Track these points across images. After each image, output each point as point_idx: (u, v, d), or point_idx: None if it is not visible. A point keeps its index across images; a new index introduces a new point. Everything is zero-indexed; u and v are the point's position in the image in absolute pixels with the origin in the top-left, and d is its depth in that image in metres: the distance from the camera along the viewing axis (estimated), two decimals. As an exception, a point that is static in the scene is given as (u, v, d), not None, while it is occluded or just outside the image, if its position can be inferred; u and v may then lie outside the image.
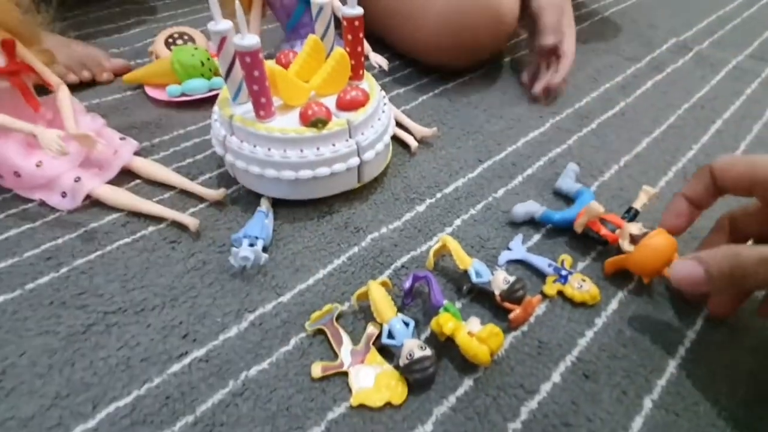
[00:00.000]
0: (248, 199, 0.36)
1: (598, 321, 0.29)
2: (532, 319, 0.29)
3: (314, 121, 0.32)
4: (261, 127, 0.32)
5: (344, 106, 0.34)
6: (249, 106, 0.33)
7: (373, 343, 0.27)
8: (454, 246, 0.30)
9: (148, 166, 0.38)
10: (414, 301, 0.30)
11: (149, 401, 0.24)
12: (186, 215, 0.34)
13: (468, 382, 0.26)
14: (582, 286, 0.30)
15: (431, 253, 0.31)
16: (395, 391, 0.25)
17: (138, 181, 0.38)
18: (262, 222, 0.33)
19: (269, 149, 0.32)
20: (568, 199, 0.37)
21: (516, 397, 0.25)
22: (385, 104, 0.37)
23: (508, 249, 0.33)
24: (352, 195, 0.37)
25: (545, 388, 0.26)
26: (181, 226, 0.34)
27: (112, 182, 0.36)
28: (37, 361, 0.26)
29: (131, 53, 0.57)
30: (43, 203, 0.35)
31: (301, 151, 0.32)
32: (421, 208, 0.37)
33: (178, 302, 0.29)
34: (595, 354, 0.27)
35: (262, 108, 0.32)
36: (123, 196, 0.35)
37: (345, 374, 0.26)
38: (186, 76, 0.47)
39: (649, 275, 0.29)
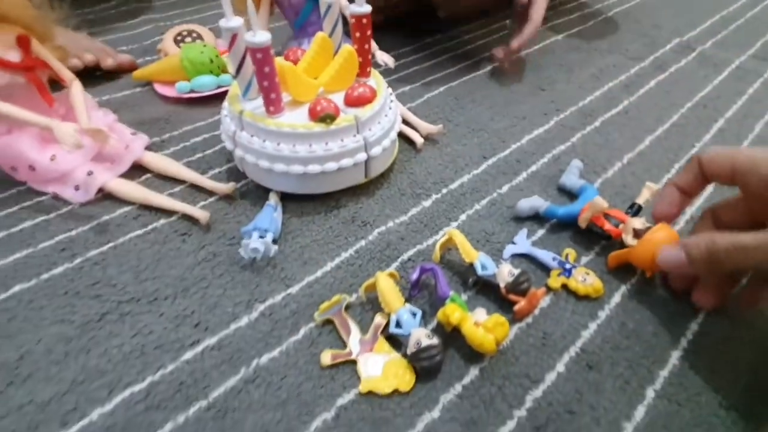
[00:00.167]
0: (257, 194, 0.37)
1: (601, 314, 0.29)
2: (536, 312, 0.29)
3: (323, 116, 0.32)
4: (271, 122, 0.32)
5: (352, 102, 0.35)
6: (259, 102, 0.34)
7: (381, 333, 0.28)
8: (460, 239, 0.31)
9: (158, 161, 0.38)
10: (420, 293, 0.30)
11: (163, 387, 0.25)
12: (197, 208, 0.34)
13: (474, 371, 0.26)
14: (586, 280, 0.30)
15: (438, 246, 0.31)
16: (403, 378, 0.25)
17: (148, 175, 0.39)
18: (271, 215, 0.33)
19: (279, 144, 0.33)
20: (571, 195, 0.38)
21: (521, 386, 0.26)
22: (391, 101, 0.38)
23: (513, 243, 0.34)
24: (359, 190, 0.38)
25: (550, 377, 0.26)
26: (191, 219, 0.35)
27: (123, 176, 0.37)
28: (53, 348, 0.27)
29: (139, 51, 0.57)
30: (56, 196, 0.36)
31: (310, 146, 0.33)
32: (427, 203, 0.37)
33: (189, 293, 0.30)
34: (598, 345, 0.28)
35: (272, 104, 0.33)
36: (134, 190, 0.36)
37: (354, 362, 0.26)
38: (195, 73, 0.47)
39: (651, 269, 0.30)
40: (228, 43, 0.31)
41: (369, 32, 0.36)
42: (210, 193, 0.37)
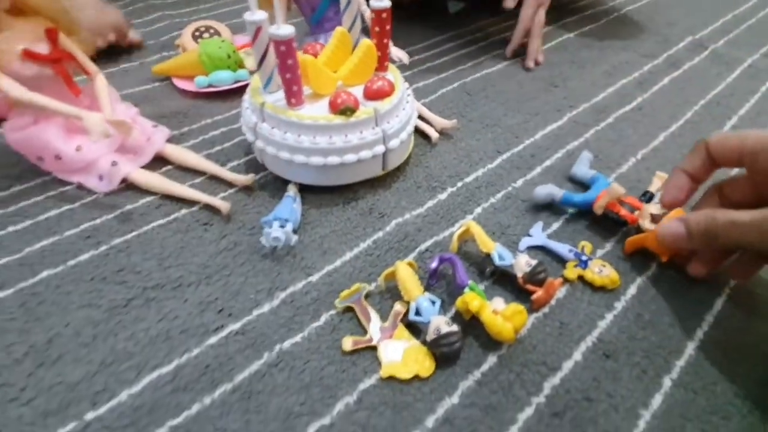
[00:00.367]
0: (276, 185, 0.38)
1: (617, 305, 0.30)
2: (552, 302, 0.30)
3: (343, 109, 0.33)
4: (292, 114, 0.33)
5: (371, 95, 0.35)
6: (279, 94, 0.35)
7: (401, 321, 0.28)
8: (478, 230, 0.31)
9: (179, 153, 0.39)
10: (438, 283, 0.31)
11: (189, 370, 0.26)
12: (218, 199, 0.35)
13: (492, 359, 0.27)
14: (602, 271, 0.31)
15: (455, 236, 0.32)
16: (423, 365, 0.26)
17: (169, 166, 0.39)
18: (290, 206, 0.34)
19: (299, 135, 0.33)
20: (582, 186, 0.38)
21: (539, 374, 0.26)
22: (408, 95, 0.39)
23: (528, 236, 0.34)
24: (376, 182, 0.38)
25: (567, 365, 0.26)
26: (212, 209, 0.35)
27: (145, 167, 0.38)
28: (81, 331, 0.28)
29: (157, 46, 0.58)
30: (81, 186, 0.36)
31: (330, 137, 0.33)
32: (442, 196, 0.38)
33: (212, 280, 0.31)
34: (614, 335, 0.28)
35: (294, 96, 0.33)
36: (157, 180, 0.36)
37: (374, 349, 0.27)
38: (213, 67, 0.48)
39: (667, 253, 0.30)
40: (252, 36, 0.32)
41: (388, 27, 0.36)
42: (229, 184, 0.38)
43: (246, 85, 0.48)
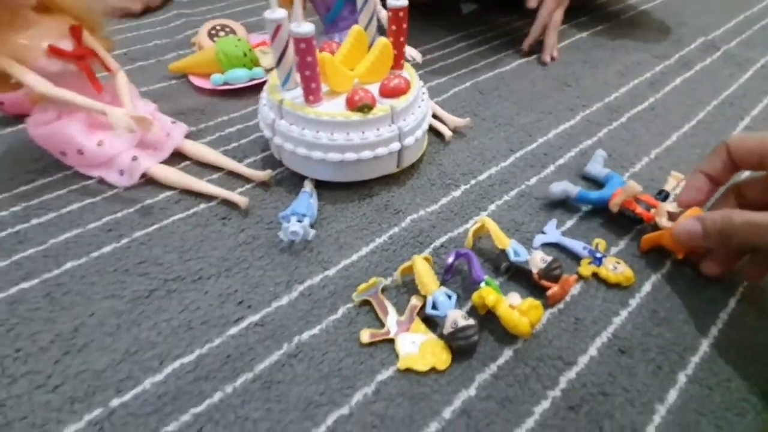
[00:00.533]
0: (292, 181, 0.38)
1: (632, 302, 0.30)
2: (567, 298, 0.30)
3: (361, 106, 0.33)
4: (310, 111, 0.34)
5: (388, 93, 0.36)
6: (297, 92, 0.35)
7: (417, 314, 0.28)
8: (493, 226, 0.32)
9: (197, 148, 0.40)
10: (453, 278, 0.31)
11: (211, 359, 0.26)
12: (236, 194, 0.36)
13: (508, 353, 0.27)
14: (616, 269, 0.31)
15: (470, 232, 0.32)
16: (440, 357, 0.26)
17: (188, 162, 0.40)
18: (307, 201, 0.35)
19: (317, 132, 0.34)
20: (596, 184, 0.39)
21: (554, 368, 0.26)
22: (424, 92, 0.39)
23: (543, 233, 0.34)
24: (390, 179, 0.39)
25: (582, 360, 0.27)
26: (230, 204, 0.36)
27: (164, 163, 0.38)
28: (105, 321, 0.28)
29: (173, 44, 0.59)
30: (102, 180, 0.37)
31: (348, 134, 0.34)
32: (456, 193, 0.38)
33: (231, 272, 0.31)
34: (629, 332, 0.28)
35: (312, 93, 0.34)
36: (176, 175, 0.37)
37: (391, 341, 0.27)
38: (229, 65, 0.49)
39: (683, 251, 0.31)
40: (271, 34, 0.32)
41: (405, 25, 0.37)
42: (247, 180, 0.38)
43: (261, 83, 0.49)
